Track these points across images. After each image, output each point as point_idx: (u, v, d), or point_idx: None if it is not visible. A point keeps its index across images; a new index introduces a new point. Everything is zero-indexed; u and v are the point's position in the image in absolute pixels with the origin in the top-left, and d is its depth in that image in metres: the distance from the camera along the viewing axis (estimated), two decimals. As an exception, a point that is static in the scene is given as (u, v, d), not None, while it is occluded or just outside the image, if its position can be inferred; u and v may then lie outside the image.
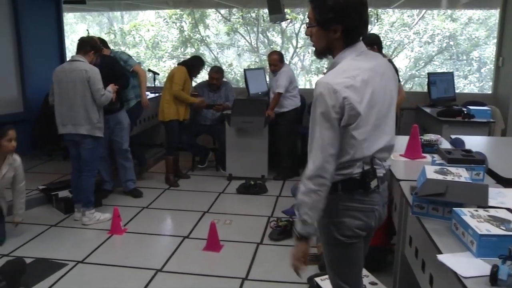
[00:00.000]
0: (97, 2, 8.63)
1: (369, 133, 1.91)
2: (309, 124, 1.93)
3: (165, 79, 5.98)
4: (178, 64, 6.01)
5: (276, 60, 5.89)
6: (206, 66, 12.80)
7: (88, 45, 4.52)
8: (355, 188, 1.97)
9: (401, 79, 12.83)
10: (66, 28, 8.04)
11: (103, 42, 5.42)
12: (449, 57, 13.08)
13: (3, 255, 3.86)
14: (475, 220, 1.83)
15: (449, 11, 11.72)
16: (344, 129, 1.87)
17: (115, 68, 5.13)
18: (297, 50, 13.71)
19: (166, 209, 5.08)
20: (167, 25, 13.34)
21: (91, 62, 4.49)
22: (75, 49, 4.60)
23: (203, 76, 10.91)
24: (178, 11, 12.45)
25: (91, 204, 4.61)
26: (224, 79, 6.56)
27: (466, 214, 1.89)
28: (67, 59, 5.42)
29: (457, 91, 6.84)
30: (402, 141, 3.58)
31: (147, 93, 6.95)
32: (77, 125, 4.41)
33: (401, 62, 13.63)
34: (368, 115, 1.88)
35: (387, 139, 2.00)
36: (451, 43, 12.73)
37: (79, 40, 4.64)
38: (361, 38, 1.97)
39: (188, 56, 8.27)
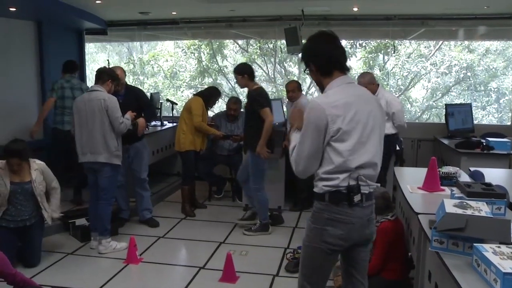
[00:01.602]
0: (118, 33, 8.85)
1: (352, 147, 2.27)
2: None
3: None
4: (194, 94, 6.07)
5: (294, 87, 5.94)
6: (223, 96, 12.95)
7: (106, 74, 4.62)
8: (340, 201, 2.30)
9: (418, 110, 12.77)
10: (87, 57, 8.22)
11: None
12: (466, 88, 13.00)
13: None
14: (497, 257, 1.80)
15: (466, 42, 11.72)
16: (329, 141, 2.28)
17: (140, 98, 5.22)
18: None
19: (182, 239, 5.07)
20: (185, 55, 13.53)
21: (109, 91, 4.58)
22: (94, 78, 4.70)
23: (220, 106, 11.02)
24: (196, 41, 12.64)
25: (107, 232, 4.63)
26: (242, 110, 6.61)
27: (488, 250, 1.86)
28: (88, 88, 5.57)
29: (475, 122, 6.80)
30: (420, 173, 3.56)
31: (165, 122, 7.06)
32: (95, 153, 4.47)
33: (418, 92, 13.58)
34: (351, 131, 2.27)
35: (369, 156, 2.31)
36: (469, 74, 12.66)
37: (97, 70, 4.76)
38: (346, 71, 2.44)
39: (206, 86, 8.37)
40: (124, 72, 5.23)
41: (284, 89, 6.39)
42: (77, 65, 6.16)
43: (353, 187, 2.28)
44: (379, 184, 2.48)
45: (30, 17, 6.51)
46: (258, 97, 4.84)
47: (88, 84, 7.91)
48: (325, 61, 2.42)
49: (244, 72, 4.91)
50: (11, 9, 5.75)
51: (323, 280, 2.52)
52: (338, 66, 2.43)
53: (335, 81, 2.40)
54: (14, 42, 6.35)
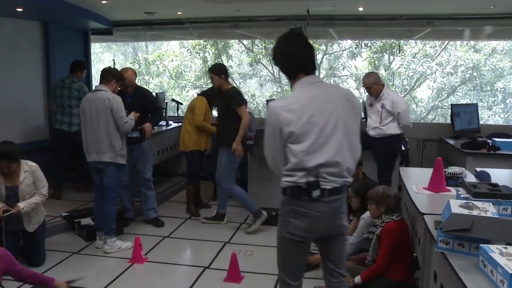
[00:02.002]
0: (123, 33, 8.87)
1: (307, 148, 2.37)
2: None
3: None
4: (198, 94, 6.08)
5: None
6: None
7: (110, 74, 4.63)
8: (300, 195, 2.42)
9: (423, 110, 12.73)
10: (93, 57, 8.25)
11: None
12: (472, 88, 12.94)
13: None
14: (504, 258, 1.79)
15: (472, 42, 11.66)
16: (285, 142, 2.40)
17: (148, 100, 5.24)
18: (319, 80, 13.75)
19: (187, 238, 5.08)
20: (190, 55, 13.54)
21: (114, 91, 4.59)
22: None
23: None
24: (201, 41, 12.65)
25: (112, 232, 4.64)
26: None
27: (495, 251, 1.85)
28: (94, 88, 5.58)
29: (481, 122, 6.77)
30: (426, 174, 3.55)
31: (170, 122, 7.08)
32: (100, 152, 4.49)
33: (423, 92, 13.54)
34: (307, 133, 2.36)
35: (328, 156, 2.38)
36: (475, 74, 12.61)
37: (101, 70, 4.78)
38: (312, 72, 2.52)
39: (210, 86, 8.37)
40: (135, 73, 5.25)
41: (289, 89, 6.37)
42: (76, 65, 6.19)
43: (311, 183, 2.39)
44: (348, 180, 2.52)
45: (36, 17, 6.54)
46: (236, 95, 5.07)
47: (93, 84, 7.97)
48: (288, 63, 2.52)
49: (221, 72, 5.10)
50: (17, 9, 5.77)
51: (298, 270, 2.63)
52: (302, 67, 2.50)
53: (298, 82, 2.49)
54: (20, 42, 6.37)
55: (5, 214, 3.92)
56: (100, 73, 4.74)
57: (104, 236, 4.63)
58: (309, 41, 2.58)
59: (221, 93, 5.16)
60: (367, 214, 3.87)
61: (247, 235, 5.14)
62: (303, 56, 2.50)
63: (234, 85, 5.23)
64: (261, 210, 5.28)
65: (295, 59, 2.49)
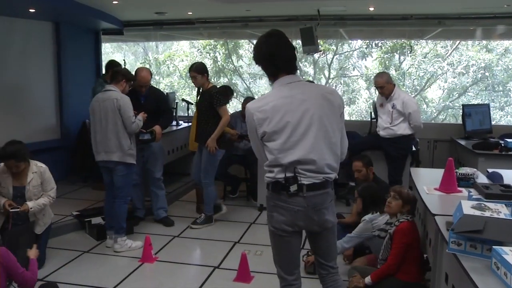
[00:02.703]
0: (134, 33, 8.91)
1: (281, 146, 2.46)
2: None
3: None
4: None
5: None
6: (238, 96, 12.95)
7: (120, 74, 4.65)
8: (279, 190, 2.51)
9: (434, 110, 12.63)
10: (103, 57, 8.29)
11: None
12: (484, 88, 12.85)
13: (38, 279, 3.91)
14: (517, 260, 1.77)
15: (484, 42, 11.57)
16: (261, 140, 2.51)
17: (161, 101, 5.25)
18: (330, 80, 13.74)
19: (197, 238, 5.08)
20: (201, 55, 13.60)
21: (123, 91, 4.61)
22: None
23: (235, 106, 11.03)
24: (212, 41, 12.69)
25: (123, 231, 4.66)
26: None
27: (508, 253, 1.83)
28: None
29: (493, 123, 6.71)
30: (437, 174, 3.52)
31: (181, 122, 7.10)
32: (109, 152, 4.51)
33: (434, 93, 13.47)
34: (280, 132, 2.45)
35: (303, 153, 2.44)
36: (487, 74, 12.51)
37: (112, 71, 4.82)
38: (293, 72, 2.55)
39: (220, 86, 8.37)
40: (151, 73, 5.27)
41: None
42: (106, 66, 6.32)
43: (289, 178, 2.46)
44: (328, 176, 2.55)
45: (48, 18, 6.59)
46: (218, 95, 5.11)
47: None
48: (267, 63, 2.57)
49: (204, 72, 5.12)
50: (30, 10, 5.83)
51: (289, 264, 2.67)
52: (281, 68, 2.54)
53: (276, 82, 2.56)
54: (32, 42, 6.43)
55: (12, 210, 3.91)
56: (110, 73, 4.77)
57: (114, 235, 4.65)
58: (290, 40, 2.58)
59: (201, 92, 5.17)
60: (369, 216, 3.88)
61: (257, 235, 5.14)
62: (282, 56, 2.52)
63: (217, 84, 5.24)
64: (212, 217, 5.42)
65: (275, 59, 2.52)
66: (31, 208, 3.99)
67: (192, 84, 5.53)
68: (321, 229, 2.59)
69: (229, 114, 5.33)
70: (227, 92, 6.06)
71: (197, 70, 5.09)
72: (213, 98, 5.06)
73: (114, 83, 4.61)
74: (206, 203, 5.39)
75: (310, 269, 4.07)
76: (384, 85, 5.34)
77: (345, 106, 2.55)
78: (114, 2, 6.13)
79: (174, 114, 6.94)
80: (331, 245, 2.71)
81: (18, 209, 3.93)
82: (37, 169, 4.13)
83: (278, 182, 2.50)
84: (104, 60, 7.38)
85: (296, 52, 2.60)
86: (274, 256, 2.72)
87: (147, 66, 13.08)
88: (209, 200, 5.38)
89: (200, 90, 5.26)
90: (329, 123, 2.49)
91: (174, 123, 6.92)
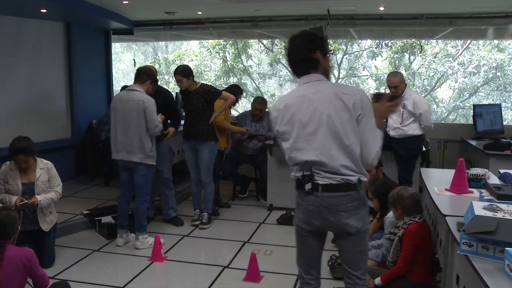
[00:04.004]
0: (144, 33, 8.95)
1: (291, 145, 2.51)
2: None
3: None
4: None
5: None
6: (248, 96, 12.95)
7: (146, 75, 4.67)
8: (298, 188, 2.55)
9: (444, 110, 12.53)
10: (113, 57, 8.34)
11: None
12: (495, 88, 12.73)
13: (53, 283, 3.94)
14: (530, 262, 1.76)
15: (495, 41, 11.47)
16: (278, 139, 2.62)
17: (169, 101, 5.28)
18: (339, 80, 13.69)
19: (206, 238, 5.09)
20: (210, 55, 13.60)
21: (147, 91, 4.63)
22: (120, 78, 4.75)
23: (244, 105, 11.03)
24: (221, 41, 12.69)
25: (144, 228, 4.70)
26: (267, 110, 6.60)
27: (521, 255, 1.82)
28: (115, 87, 5.64)
29: (504, 123, 6.66)
30: (447, 175, 3.50)
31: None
32: (131, 152, 4.53)
33: (444, 93, 13.37)
34: (290, 131, 2.51)
35: (313, 155, 2.44)
36: (498, 73, 12.40)
37: (137, 70, 4.82)
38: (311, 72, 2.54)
39: (229, 85, 8.38)
40: (156, 71, 5.29)
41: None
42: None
43: (305, 176, 2.48)
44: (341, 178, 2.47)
45: (59, 18, 6.64)
46: (213, 89, 5.27)
47: (113, 84, 8.07)
48: (289, 65, 2.64)
49: (190, 75, 5.15)
50: (42, 10, 5.87)
51: (307, 262, 2.70)
52: (294, 70, 2.62)
53: (298, 81, 2.62)
54: (43, 42, 6.49)
55: (21, 203, 3.93)
56: (135, 72, 4.79)
57: (136, 232, 4.69)
58: (308, 41, 2.56)
59: (188, 93, 5.18)
60: (390, 214, 3.82)
61: (267, 235, 5.14)
62: (293, 59, 2.59)
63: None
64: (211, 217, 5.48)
65: (289, 62, 2.61)
66: (40, 201, 4.02)
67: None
68: (342, 233, 2.53)
69: (239, 113, 5.34)
70: (236, 91, 6.08)
71: (183, 74, 5.10)
72: (210, 93, 5.17)
73: (138, 83, 4.62)
74: (208, 201, 5.41)
75: (339, 274, 3.93)
76: (398, 84, 5.30)
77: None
78: (124, 2, 6.16)
79: (183, 113, 6.95)
80: (356, 252, 2.59)
81: (26, 202, 3.96)
82: (44, 165, 4.20)
83: (298, 179, 2.53)
84: (114, 60, 7.42)
85: (314, 52, 2.52)
86: (296, 253, 2.76)
87: (157, 66, 13.13)
88: (211, 198, 5.44)
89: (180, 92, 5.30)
90: (340, 124, 2.42)
91: (182, 122, 6.92)
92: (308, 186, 2.47)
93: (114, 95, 4.90)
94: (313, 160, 2.45)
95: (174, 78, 5.29)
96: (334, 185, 2.44)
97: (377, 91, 2.75)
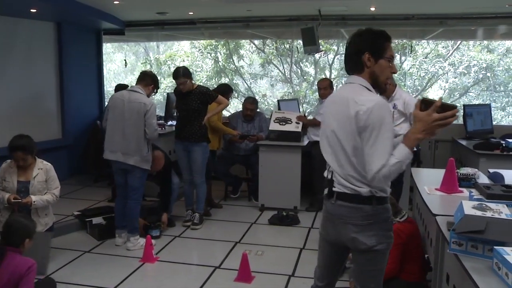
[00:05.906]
0: (135, 33, 8.92)
1: (321, 142, 2.48)
2: None
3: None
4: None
5: (327, 85, 5.94)
6: (239, 96, 12.95)
7: (150, 79, 4.66)
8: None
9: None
10: (104, 57, 8.30)
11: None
12: (485, 88, 12.83)
13: (39, 279, 3.91)
14: (518, 260, 1.77)
15: (485, 42, 11.55)
16: None
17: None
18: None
19: (198, 238, 5.09)
20: (202, 55, 13.59)
21: (149, 95, 4.62)
22: (111, 78, 4.74)
23: (236, 105, 11.02)
24: (213, 41, 12.69)
25: (136, 230, 4.68)
26: (258, 110, 6.61)
27: (510, 253, 1.83)
28: (106, 88, 5.61)
29: (494, 123, 6.70)
30: (438, 175, 3.52)
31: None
32: (127, 154, 4.49)
33: (435, 93, 13.45)
34: (321, 135, 2.50)
35: (331, 158, 2.38)
36: (488, 74, 12.50)
37: (141, 72, 4.82)
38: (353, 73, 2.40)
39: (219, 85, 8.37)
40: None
41: (300, 89, 6.37)
42: None
43: (327, 180, 2.44)
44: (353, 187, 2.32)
45: (50, 18, 6.61)
46: (209, 91, 5.28)
47: (104, 84, 8.05)
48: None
49: (190, 75, 5.20)
50: (32, 10, 5.83)
51: (321, 269, 2.61)
52: (349, 71, 2.45)
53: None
54: (35, 42, 6.45)
55: (14, 201, 3.91)
56: (139, 74, 4.79)
57: (128, 234, 4.67)
58: (355, 40, 2.36)
59: (184, 93, 5.16)
60: None
61: (258, 235, 5.15)
62: (345, 57, 2.45)
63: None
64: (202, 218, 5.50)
65: (344, 58, 2.47)
66: (34, 202, 3.99)
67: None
68: (353, 248, 2.37)
69: (230, 114, 5.34)
70: (226, 90, 6.08)
71: (186, 76, 5.10)
72: (206, 95, 5.18)
73: (142, 85, 4.60)
74: (200, 201, 5.42)
75: None
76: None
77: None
78: (116, 2, 6.14)
79: (175, 114, 6.94)
80: (366, 271, 2.41)
81: (20, 201, 3.94)
82: (43, 166, 4.18)
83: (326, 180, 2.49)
84: (105, 60, 7.40)
85: (362, 53, 2.31)
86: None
87: (148, 66, 13.08)
88: (203, 199, 5.44)
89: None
90: (341, 132, 2.31)
91: (175, 123, 6.92)
92: (326, 191, 2.43)
93: (109, 95, 4.86)
94: (329, 164, 2.41)
95: (166, 81, 5.29)
96: (347, 194, 2.32)
97: (426, 97, 2.54)
